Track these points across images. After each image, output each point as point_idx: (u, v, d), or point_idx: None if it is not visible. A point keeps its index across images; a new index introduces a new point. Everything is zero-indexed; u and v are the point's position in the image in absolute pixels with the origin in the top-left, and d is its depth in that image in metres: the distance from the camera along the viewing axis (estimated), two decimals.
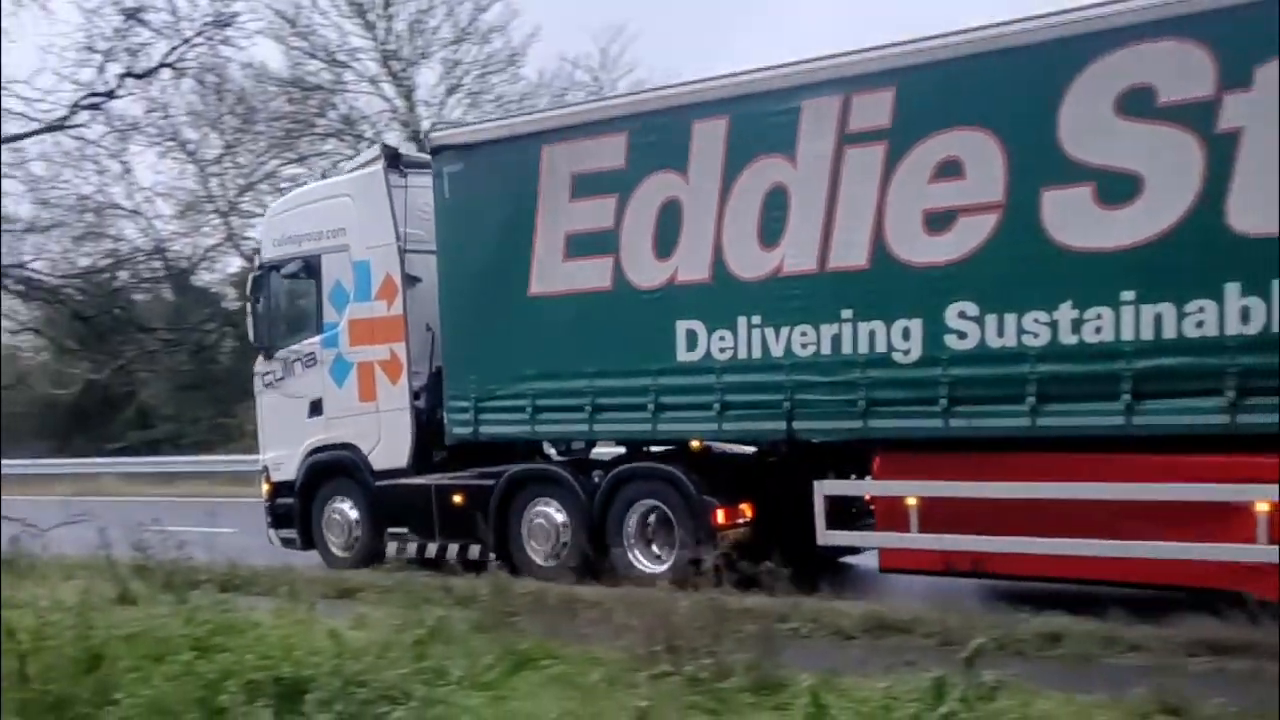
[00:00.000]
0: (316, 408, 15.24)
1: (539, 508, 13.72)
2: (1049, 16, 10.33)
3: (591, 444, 14.19)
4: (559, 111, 13.44)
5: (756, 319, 11.85)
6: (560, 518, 13.57)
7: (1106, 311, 10.21)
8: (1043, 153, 10.44)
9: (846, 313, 11.35)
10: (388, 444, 14.72)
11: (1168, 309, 9.98)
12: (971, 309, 10.82)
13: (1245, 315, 9.64)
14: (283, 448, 15.81)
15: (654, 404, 12.60)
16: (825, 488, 11.99)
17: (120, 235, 32.01)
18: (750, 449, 13.35)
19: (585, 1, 37.66)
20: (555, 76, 35.30)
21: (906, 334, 11.14)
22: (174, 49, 7.77)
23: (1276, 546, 9.65)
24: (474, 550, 13.94)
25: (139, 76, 7.76)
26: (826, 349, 11.54)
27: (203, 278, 38.64)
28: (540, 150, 12.98)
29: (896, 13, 12.51)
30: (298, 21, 33.41)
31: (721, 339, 12.06)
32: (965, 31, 10.72)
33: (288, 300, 15.54)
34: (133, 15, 7.52)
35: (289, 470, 15.66)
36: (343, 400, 14.93)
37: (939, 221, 10.84)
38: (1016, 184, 10.58)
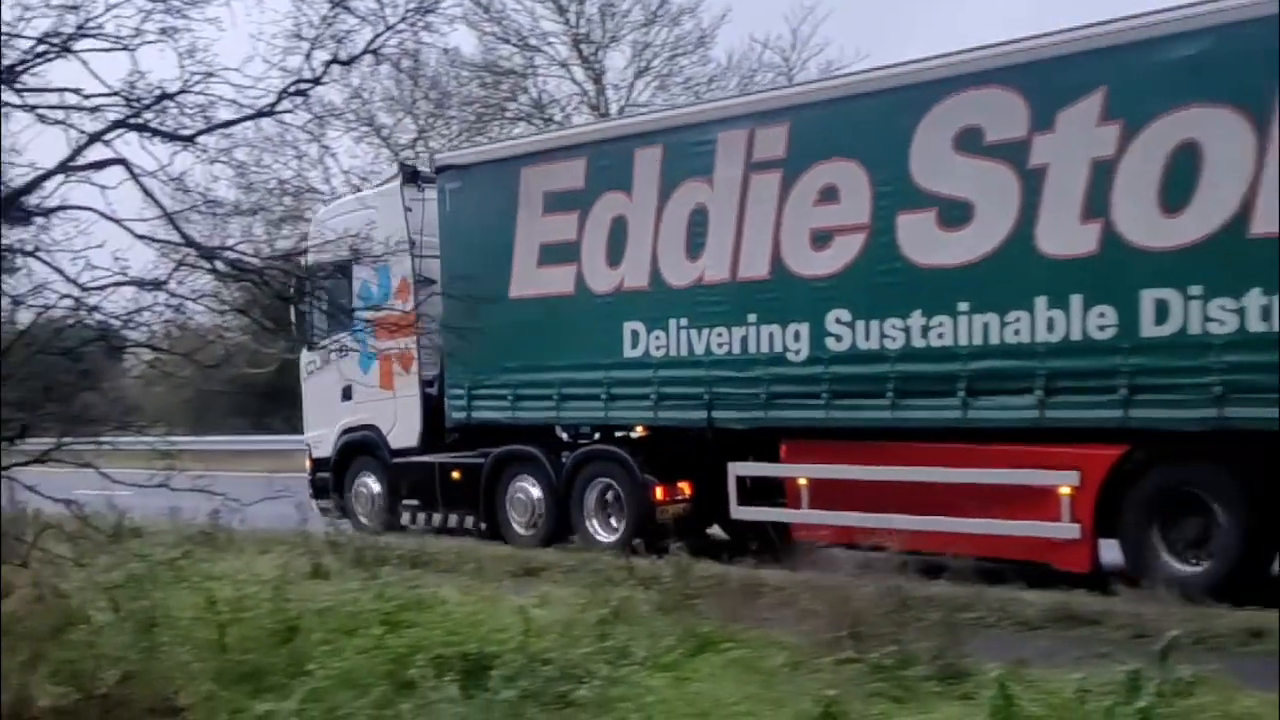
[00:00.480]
0: (347, 393, 17.15)
1: (519, 484, 15.53)
2: (903, 65, 12.17)
3: (603, 428, 15.45)
4: (535, 138, 15.81)
5: (684, 321, 13.70)
6: (536, 493, 15.40)
7: (947, 320, 11.84)
8: (898, 182, 12.09)
9: (752, 317, 13.19)
10: (402, 426, 16.71)
11: (993, 318, 11.57)
12: (846, 315, 12.56)
13: (1050, 325, 11.22)
14: (321, 428, 17.82)
15: (606, 394, 14.51)
16: (736, 469, 13.82)
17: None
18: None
19: None
20: (744, 58, 34.90)
21: (797, 336, 12.91)
22: (378, 35, 7.93)
23: (1078, 525, 11.23)
24: (469, 520, 15.99)
25: (344, 63, 7.93)
26: (737, 349, 13.37)
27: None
28: (520, 171, 14.96)
29: None
30: (492, 7, 33.74)
31: (657, 339, 13.95)
32: (843, 75, 13.09)
33: (326, 299, 16.37)
34: (340, 3, 7.74)
35: (325, 448, 17.67)
36: (368, 387, 16.59)
37: (821, 239, 12.59)
38: (879, 209, 12.24)
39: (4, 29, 6.97)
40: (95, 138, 7.27)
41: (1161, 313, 10.69)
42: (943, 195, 11.84)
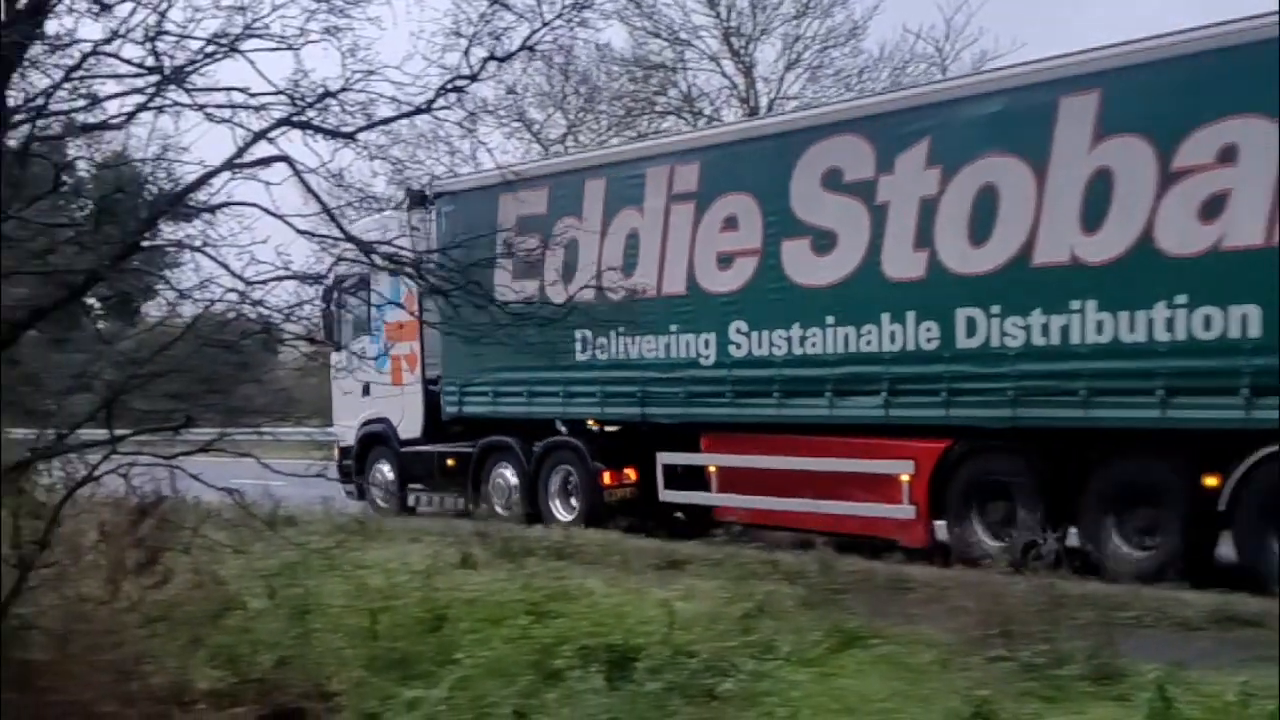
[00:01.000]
0: (366, 390, 18.46)
1: (499, 470, 17.65)
2: (783, 115, 15.78)
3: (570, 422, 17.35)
4: (512, 167, 15.90)
5: (621, 330, 15.28)
6: (512, 478, 17.48)
7: (819, 331, 13.86)
8: (782, 214, 14.11)
9: (674, 327, 15.17)
10: (408, 419, 18.73)
11: (850, 330, 13.60)
12: (744, 327, 14.57)
13: (893, 337, 13.26)
14: (346, 421, 19.70)
15: (564, 392, 16.68)
16: (663, 458, 15.92)
17: None
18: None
19: None
20: (896, 49, 34.46)
21: (707, 344, 14.98)
22: (534, 32, 8.03)
23: (914, 507, 13.18)
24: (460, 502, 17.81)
25: (501, 60, 8.04)
26: (663, 354, 15.44)
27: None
28: (498, 197, 15.84)
29: None
30: (644, 2, 33.77)
31: (600, 344, 15.93)
32: (741, 122, 15.55)
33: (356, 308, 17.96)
34: (499, 0, 7.88)
35: (349, 438, 19.56)
36: (383, 384, 17.97)
37: (725, 261, 14.39)
38: (768, 236, 14.24)
39: (175, 31, 7.19)
40: (260, 135, 7.45)
41: (971, 328, 12.69)
42: (815, 225, 13.89)
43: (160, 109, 7.36)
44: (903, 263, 13.10)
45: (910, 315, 13.10)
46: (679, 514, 16.00)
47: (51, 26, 7.24)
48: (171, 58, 7.20)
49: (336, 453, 19.15)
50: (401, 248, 8.46)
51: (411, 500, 18.81)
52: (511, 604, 10.02)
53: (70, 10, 7.12)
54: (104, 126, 7.59)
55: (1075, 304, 11.87)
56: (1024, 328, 12.22)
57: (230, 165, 7.48)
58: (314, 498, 13.36)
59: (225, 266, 7.88)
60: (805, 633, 8.99)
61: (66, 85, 7.23)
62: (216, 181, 7.53)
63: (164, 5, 7.11)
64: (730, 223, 14.55)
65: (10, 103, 7.13)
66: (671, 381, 15.39)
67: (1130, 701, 7.35)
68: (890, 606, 9.64)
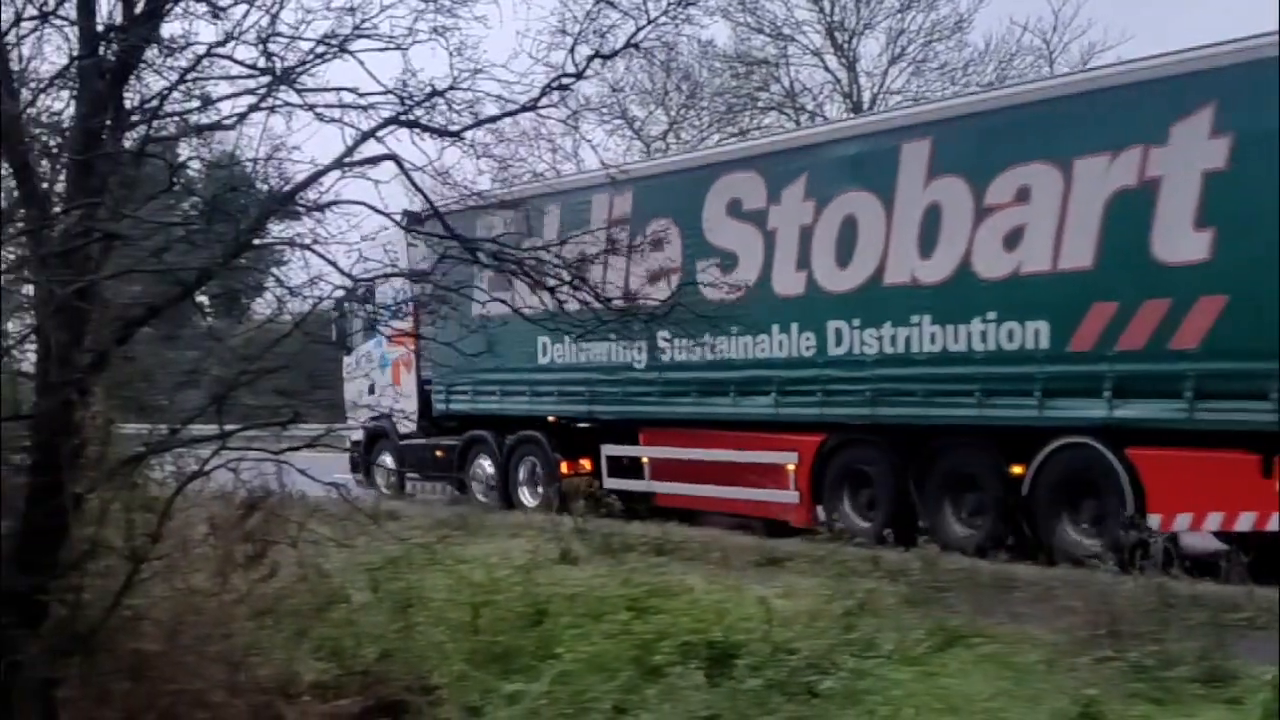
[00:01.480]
0: (371, 389, 20.70)
1: (479, 460, 19.91)
2: (699, 151, 17.17)
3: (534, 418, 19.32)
4: (486, 192, 16.37)
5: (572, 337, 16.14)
6: (489, 468, 19.67)
7: (726, 340, 15.30)
8: (697, 237, 15.93)
9: (612, 335, 14.81)
10: (406, 416, 20.01)
11: (749, 339, 15.57)
12: (668, 334, 14.68)
13: (781, 345, 15.46)
14: (355, 417, 21.50)
15: (530, 391, 18.68)
16: (607, 450, 18.03)
17: None
18: None
19: None
20: (1002, 42, 34.04)
21: (640, 350, 16.49)
22: (639, 29, 8.04)
23: (798, 492, 15.37)
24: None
25: (606, 57, 8.07)
26: (606, 358, 17.35)
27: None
28: (475, 222, 16.67)
29: None
30: None
31: (558, 349, 17.96)
32: (665, 157, 16.74)
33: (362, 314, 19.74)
34: None
35: (357, 433, 21.53)
36: (384, 384, 20.47)
37: (654, 277, 14.35)
38: (687, 255, 15.84)
39: (287, 32, 7.30)
40: (369, 134, 7.53)
41: (839, 338, 14.85)
42: (721, 248, 15.82)
43: (271, 109, 7.48)
44: (787, 281, 15.25)
45: (794, 327, 15.30)
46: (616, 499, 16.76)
47: (166, 30, 7.38)
48: (282, 59, 7.30)
49: (349, 445, 21.03)
50: (506, 245, 8.48)
51: (410, 487, 21.51)
52: (612, 599, 10.04)
53: (185, 14, 7.26)
54: (217, 127, 7.72)
55: (915, 318, 14.00)
56: (878, 338, 14.46)
57: (340, 164, 7.57)
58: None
59: (333, 264, 7.98)
60: (907, 631, 8.93)
61: (181, 87, 7.37)
62: (325, 180, 7.63)
63: (276, 7, 7.22)
64: (658, 244, 14.94)
65: (127, 104, 7.28)
66: (613, 383, 17.53)
67: (1243, 705, 7.24)
68: (994, 605, 9.53)
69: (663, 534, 13.73)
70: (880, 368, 14.42)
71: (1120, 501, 12.45)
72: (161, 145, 7.89)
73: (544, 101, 8.19)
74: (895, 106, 16.56)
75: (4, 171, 7.60)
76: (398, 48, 7.50)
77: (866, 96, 33.46)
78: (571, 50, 8.22)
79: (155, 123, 7.56)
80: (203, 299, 9.12)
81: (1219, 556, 11.25)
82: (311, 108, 7.46)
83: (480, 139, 8.29)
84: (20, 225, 7.57)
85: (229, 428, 8.00)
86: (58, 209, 7.37)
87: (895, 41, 34.25)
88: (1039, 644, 8.55)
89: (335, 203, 7.66)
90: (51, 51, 7.66)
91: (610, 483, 17.51)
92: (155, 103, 7.41)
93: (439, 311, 8.74)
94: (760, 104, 35.29)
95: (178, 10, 7.23)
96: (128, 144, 7.43)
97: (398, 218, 9.17)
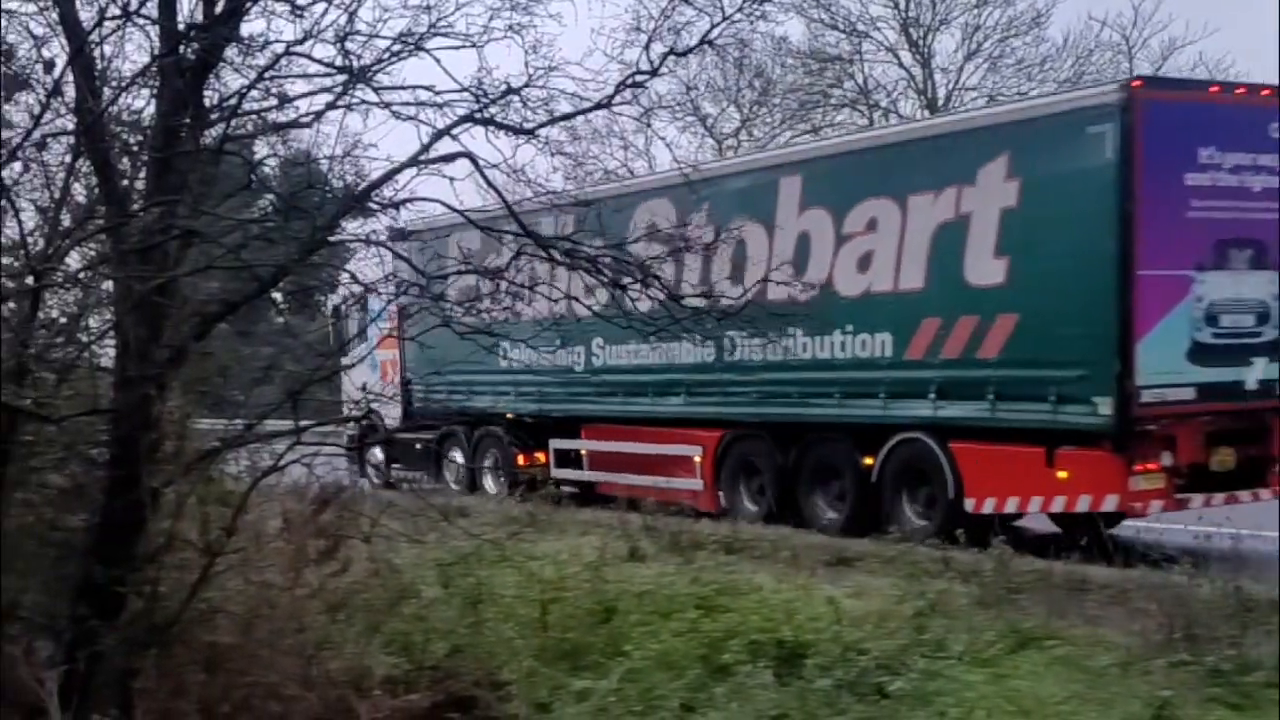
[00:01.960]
0: (364, 388, 21.43)
1: (452, 452, 22.02)
2: (625, 180, 17.81)
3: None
4: (460, 211, 17.24)
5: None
6: (460, 459, 21.81)
7: (647, 349, 17.51)
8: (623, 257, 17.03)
9: (557, 342, 17.91)
10: (391, 412, 20.95)
11: (664, 348, 17.24)
12: (601, 343, 18.66)
13: (689, 352, 17.46)
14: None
15: (492, 391, 20.14)
16: (554, 443, 20.26)
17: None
18: None
19: None
20: (1080, 38, 33.72)
21: (579, 355, 19.01)
22: (714, 26, 8.04)
23: (703, 481, 17.71)
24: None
25: (680, 54, 8.07)
26: (553, 362, 18.59)
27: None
28: (449, 238, 18.18)
29: None
30: None
31: (516, 355, 17.65)
32: (595, 186, 14.96)
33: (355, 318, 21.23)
34: None
35: (352, 428, 22.23)
36: (375, 383, 20.97)
37: (589, 292, 16.32)
38: (615, 269, 17.73)
39: (364, 31, 7.36)
40: (444, 132, 7.57)
41: (733, 346, 16.75)
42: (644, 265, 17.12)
43: (348, 107, 7.54)
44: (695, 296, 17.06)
45: (698, 336, 15.90)
46: (560, 486, 19.05)
47: (246, 29, 7.45)
48: (359, 57, 7.37)
49: (346, 439, 23.02)
50: (579, 242, 8.51)
51: (394, 476, 22.86)
52: (680, 597, 10.04)
53: (265, 12, 7.33)
54: (294, 125, 7.79)
55: (792, 331, 15.50)
56: (763, 347, 16.09)
57: (415, 161, 7.62)
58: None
59: (407, 260, 8.03)
60: (979, 632, 8.86)
61: (259, 85, 7.44)
62: (400, 177, 7.68)
63: (354, 5, 7.28)
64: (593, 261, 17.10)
65: (206, 103, 7.36)
66: (558, 384, 19.60)
67: None
68: (1068, 607, 9.45)
69: (732, 532, 13.71)
70: (765, 373, 16.65)
71: (944, 487, 14.88)
72: (239, 143, 7.97)
73: (618, 99, 8.20)
74: (776, 146, 19.64)
75: (86, 169, 7.71)
76: (473, 45, 7.54)
77: (941, 93, 33.32)
78: (646, 47, 8.23)
79: (234, 121, 7.64)
80: (278, 295, 9.21)
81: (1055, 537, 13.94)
82: (387, 106, 7.51)
83: (554, 137, 8.30)
84: (100, 222, 7.68)
85: (304, 423, 8.08)
86: (137, 206, 7.47)
87: (971, 37, 34.08)
88: (1113, 647, 8.47)
89: (410, 200, 7.72)
90: (133, 50, 7.76)
91: (557, 473, 19.95)
92: (234, 101, 7.49)
93: (513, 308, 8.70)
94: (833, 101, 35.21)
95: (258, 9, 7.30)
96: (206, 142, 7.51)
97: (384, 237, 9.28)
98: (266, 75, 7.40)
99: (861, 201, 15.53)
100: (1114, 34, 33.05)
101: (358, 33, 7.34)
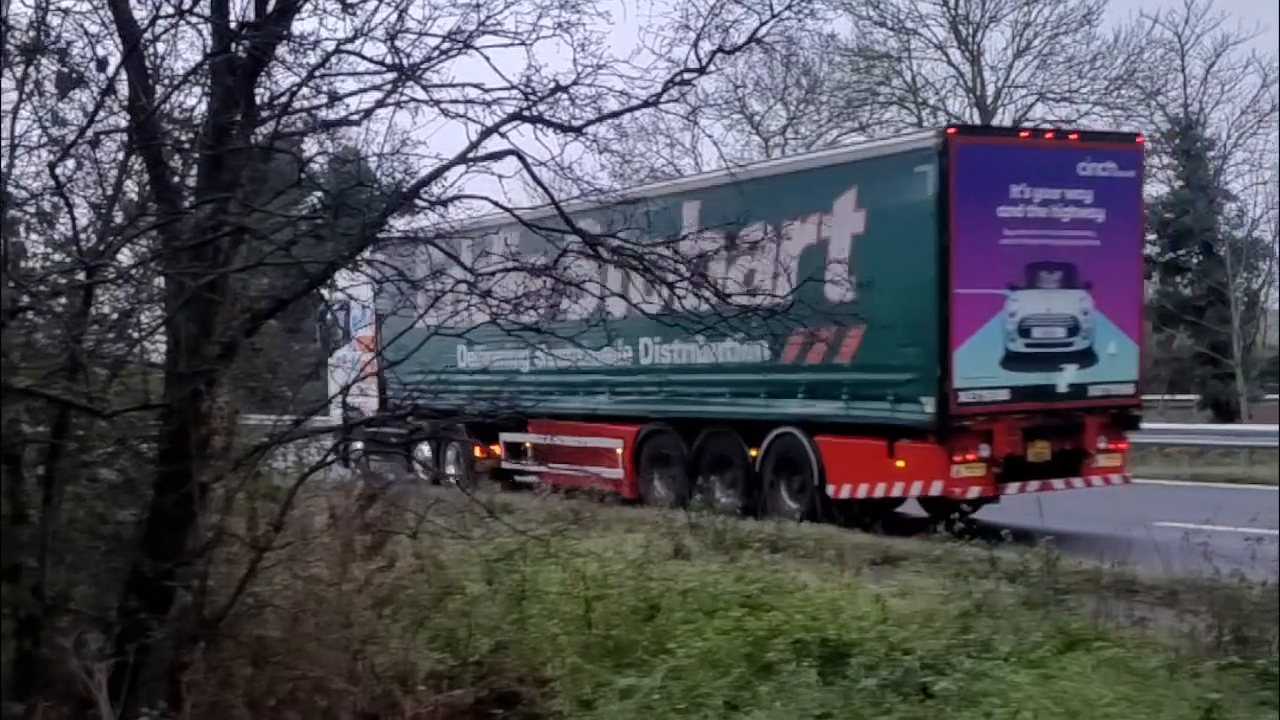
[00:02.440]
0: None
1: (421, 445, 21.75)
2: (548, 205, 15.28)
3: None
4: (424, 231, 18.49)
5: (481, 348, 17.58)
6: (427, 451, 22.22)
7: (578, 353, 16.66)
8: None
9: (510, 345, 17.70)
10: (369, 408, 21.83)
11: (595, 357, 16.66)
12: (540, 353, 18.83)
13: (612, 357, 18.25)
14: (336, 409, 24.47)
15: (452, 391, 20.45)
16: (504, 437, 21.77)
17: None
18: None
19: None
20: (1131, 35, 33.59)
21: (523, 361, 19.00)
22: (763, 23, 8.05)
23: (624, 470, 19.75)
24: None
25: (729, 52, 8.10)
26: (502, 365, 19.24)
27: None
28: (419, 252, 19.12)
29: None
30: None
31: (472, 356, 19.05)
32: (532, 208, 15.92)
33: (342, 322, 21.82)
34: None
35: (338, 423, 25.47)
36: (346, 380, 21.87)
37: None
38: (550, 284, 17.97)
39: (413, 28, 7.40)
40: (492, 130, 7.61)
41: (648, 351, 19.00)
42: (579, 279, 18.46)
43: (398, 105, 7.59)
44: (616, 306, 16.50)
45: (620, 342, 17.83)
46: (515, 476, 21.25)
47: (297, 27, 7.50)
48: (409, 55, 7.41)
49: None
50: (627, 240, 8.52)
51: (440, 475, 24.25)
52: (725, 595, 10.00)
53: (316, 11, 7.37)
54: (344, 123, 7.84)
55: (695, 338, 16.35)
56: (670, 352, 18.69)
57: (464, 159, 7.66)
58: None
59: (455, 258, 8.07)
60: (1026, 633, 8.77)
61: (309, 83, 7.48)
62: (448, 175, 7.72)
63: (405, 3, 7.32)
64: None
65: (257, 100, 7.41)
66: (506, 385, 19.89)
67: None
68: (1116, 608, 9.37)
69: (777, 530, 13.68)
70: (672, 375, 18.97)
71: (812, 475, 17.18)
72: (289, 141, 8.03)
73: (666, 97, 8.21)
74: (682, 177, 20.34)
75: (138, 166, 7.78)
76: (522, 43, 7.58)
77: (990, 91, 33.16)
78: (695, 45, 8.24)
79: (284, 118, 7.69)
80: (325, 292, 9.26)
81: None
82: (436, 103, 7.56)
83: (601, 135, 8.31)
84: (152, 219, 7.75)
85: (351, 419, 8.12)
86: (189, 203, 7.53)
87: (1021, 35, 34.00)
88: (1161, 649, 8.39)
89: (458, 197, 7.75)
90: (185, 48, 7.83)
91: (508, 464, 21.77)
92: (285, 99, 7.54)
93: (559, 305, 8.75)
94: (881, 99, 35.13)
95: (309, 7, 7.35)
96: (257, 139, 7.56)
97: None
98: (317, 73, 7.45)
99: (746, 226, 16.31)
100: (1166, 31, 32.85)
101: (408, 31, 7.40)
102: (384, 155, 7.97)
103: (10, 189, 7.71)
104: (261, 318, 7.71)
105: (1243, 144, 38.72)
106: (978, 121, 35.26)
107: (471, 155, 7.67)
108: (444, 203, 7.77)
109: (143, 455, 8.05)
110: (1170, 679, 7.80)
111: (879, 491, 16.60)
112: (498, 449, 22.36)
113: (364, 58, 7.43)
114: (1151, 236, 38.95)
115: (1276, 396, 36.65)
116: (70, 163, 7.73)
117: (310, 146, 8.60)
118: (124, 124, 7.63)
